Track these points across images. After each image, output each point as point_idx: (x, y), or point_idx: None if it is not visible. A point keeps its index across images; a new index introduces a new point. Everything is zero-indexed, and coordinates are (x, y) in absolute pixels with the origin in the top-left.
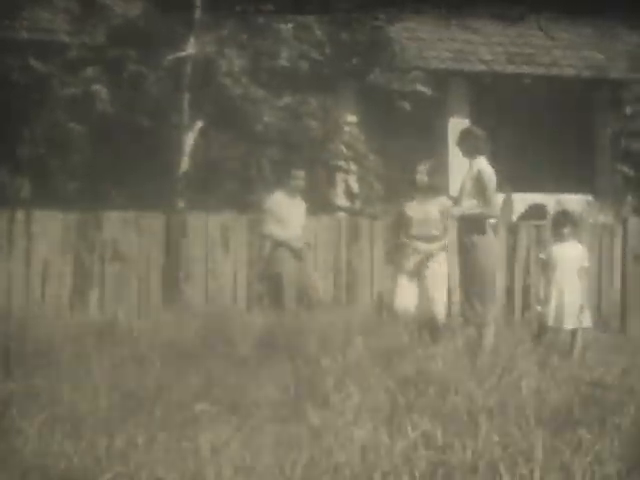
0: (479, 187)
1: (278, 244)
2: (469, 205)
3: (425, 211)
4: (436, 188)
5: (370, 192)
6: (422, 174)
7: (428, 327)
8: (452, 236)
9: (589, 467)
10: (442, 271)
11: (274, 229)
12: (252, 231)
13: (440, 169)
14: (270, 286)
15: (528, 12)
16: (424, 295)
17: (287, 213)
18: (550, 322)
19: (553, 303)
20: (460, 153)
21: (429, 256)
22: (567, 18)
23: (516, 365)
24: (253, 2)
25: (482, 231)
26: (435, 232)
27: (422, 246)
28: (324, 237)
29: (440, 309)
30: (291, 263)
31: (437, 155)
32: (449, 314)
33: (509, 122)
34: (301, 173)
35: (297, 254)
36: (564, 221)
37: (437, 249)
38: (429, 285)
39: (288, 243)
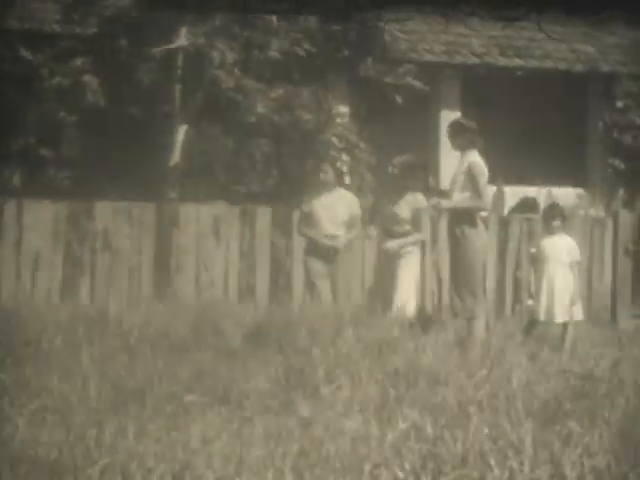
0: (470, 180)
1: (311, 243)
2: (460, 198)
3: (393, 206)
4: (409, 184)
5: (362, 183)
6: (394, 168)
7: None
8: (442, 232)
9: (579, 459)
10: (410, 267)
11: (304, 229)
12: (243, 222)
13: (417, 165)
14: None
15: (528, 12)
16: (392, 289)
17: (320, 212)
18: (541, 315)
19: (544, 296)
20: (451, 146)
21: (395, 252)
22: (560, 11)
23: (506, 358)
24: None
25: (473, 224)
26: (399, 229)
27: (388, 242)
28: None
29: (406, 303)
30: (318, 263)
31: (417, 151)
32: (439, 307)
33: (501, 115)
34: (328, 167)
35: (326, 252)
36: (554, 214)
37: (405, 245)
38: (397, 280)
39: (321, 242)
